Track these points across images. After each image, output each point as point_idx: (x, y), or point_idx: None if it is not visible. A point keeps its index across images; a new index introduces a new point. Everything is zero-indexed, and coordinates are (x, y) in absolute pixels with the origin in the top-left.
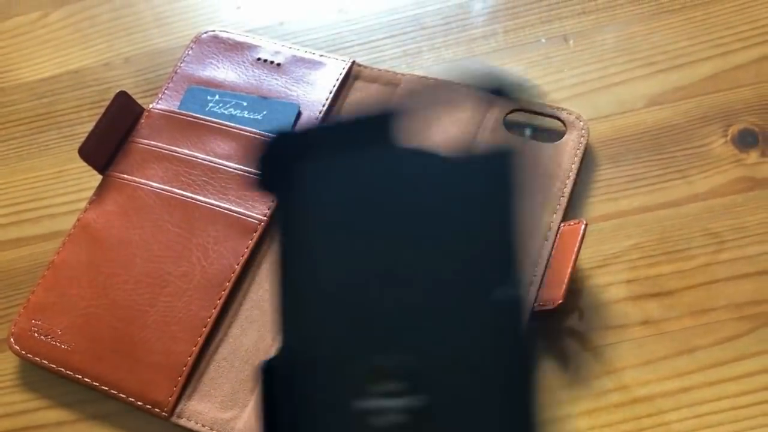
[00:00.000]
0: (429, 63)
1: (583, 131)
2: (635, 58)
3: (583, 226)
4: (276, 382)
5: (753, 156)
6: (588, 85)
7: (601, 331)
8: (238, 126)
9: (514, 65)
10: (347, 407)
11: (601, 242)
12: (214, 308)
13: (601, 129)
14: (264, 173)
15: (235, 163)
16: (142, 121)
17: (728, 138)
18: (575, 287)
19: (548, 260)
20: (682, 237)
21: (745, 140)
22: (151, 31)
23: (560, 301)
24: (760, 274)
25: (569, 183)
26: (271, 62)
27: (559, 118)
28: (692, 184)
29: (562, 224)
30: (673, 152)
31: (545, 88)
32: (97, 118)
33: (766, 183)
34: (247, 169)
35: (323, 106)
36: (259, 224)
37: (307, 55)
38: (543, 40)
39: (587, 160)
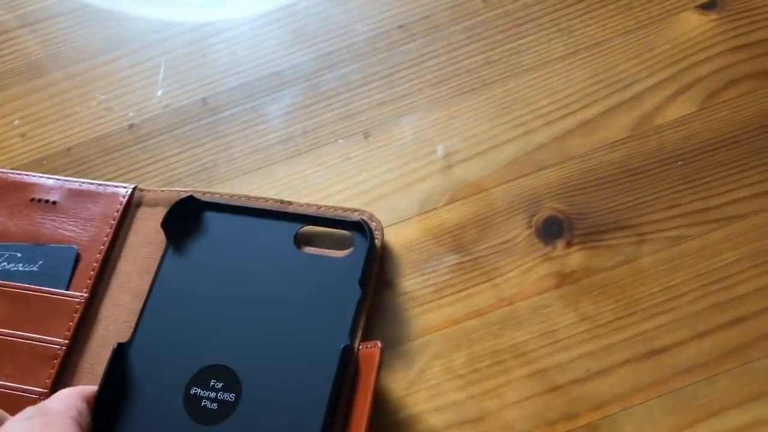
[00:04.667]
0: (227, 176)
1: (377, 232)
2: (434, 150)
3: (378, 351)
4: (122, 360)
5: (559, 248)
6: (389, 185)
7: None
8: (12, 283)
9: (315, 170)
10: (175, 389)
11: (409, 366)
12: None
13: (407, 233)
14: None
15: (10, 329)
16: None
17: (533, 229)
18: (393, 420)
19: (350, 390)
20: (491, 350)
21: (550, 230)
22: None
23: None
24: (571, 384)
25: (365, 300)
26: (46, 201)
27: (346, 228)
28: (498, 287)
29: (361, 346)
30: (477, 253)
31: (346, 193)
32: None
33: (571, 277)
34: (23, 334)
35: (103, 244)
36: (39, 398)
37: (84, 187)
38: (340, 141)
39: (391, 271)
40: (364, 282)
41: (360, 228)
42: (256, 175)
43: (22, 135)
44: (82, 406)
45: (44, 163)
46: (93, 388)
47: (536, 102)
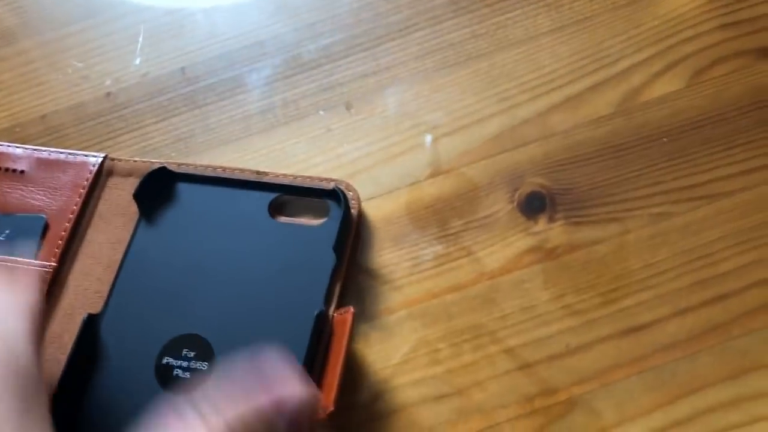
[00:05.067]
0: (204, 147)
1: (353, 202)
2: (419, 123)
3: (350, 317)
4: (93, 330)
5: (541, 223)
6: (371, 157)
7: None
8: None
9: (295, 141)
10: (146, 359)
11: (387, 339)
12: None
13: (387, 207)
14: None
15: None
16: None
17: (515, 204)
18: (369, 394)
19: (323, 357)
20: (470, 324)
21: (533, 205)
22: None
23: (331, 409)
24: (550, 359)
25: (340, 267)
26: (14, 170)
27: (321, 196)
28: (479, 261)
29: (335, 313)
30: (458, 227)
31: (327, 165)
32: None
33: (553, 253)
34: None
35: (72, 214)
36: None
37: (53, 156)
38: (321, 113)
39: (371, 244)
40: (338, 249)
41: (335, 196)
42: (235, 145)
43: None
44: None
45: (17, 130)
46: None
47: (522, 76)
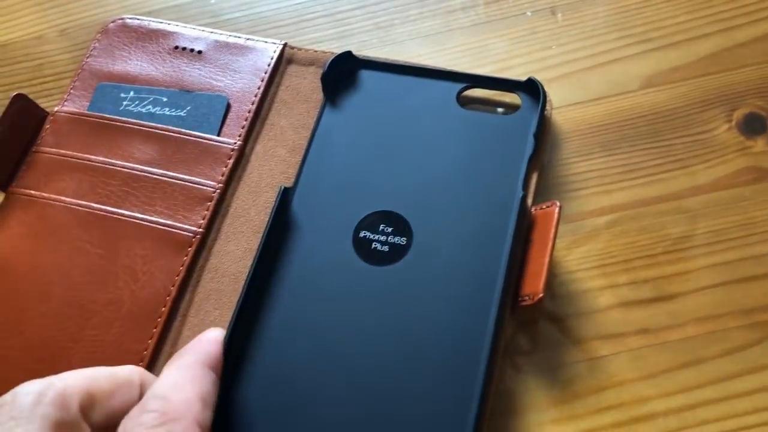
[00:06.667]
0: (403, 37)
1: (547, 99)
2: (629, 34)
3: (557, 209)
4: (287, 204)
5: (760, 144)
6: (578, 63)
7: (595, 341)
8: (159, 125)
9: (496, 40)
10: (343, 232)
11: (594, 240)
12: (150, 339)
13: (593, 113)
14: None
15: (160, 169)
16: (47, 126)
17: (732, 123)
18: (566, 291)
19: (525, 249)
20: (685, 234)
21: (752, 126)
22: (87, 1)
23: (541, 295)
24: None
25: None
26: (191, 50)
27: (514, 88)
28: (694, 174)
29: (534, 208)
30: (672, 139)
31: (528, 67)
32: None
33: None
34: (174, 174)
35: (255, 96)
36: (194, 237)
37: (232, 39)
38: (528, 14)
39: (575, 148)
40: (537, 136)
41: (530, 88)
42: (433, 39)
43: None
44: (204, 399)
45: (188, 6)
46: (215, 351)
47: (739, 0)
